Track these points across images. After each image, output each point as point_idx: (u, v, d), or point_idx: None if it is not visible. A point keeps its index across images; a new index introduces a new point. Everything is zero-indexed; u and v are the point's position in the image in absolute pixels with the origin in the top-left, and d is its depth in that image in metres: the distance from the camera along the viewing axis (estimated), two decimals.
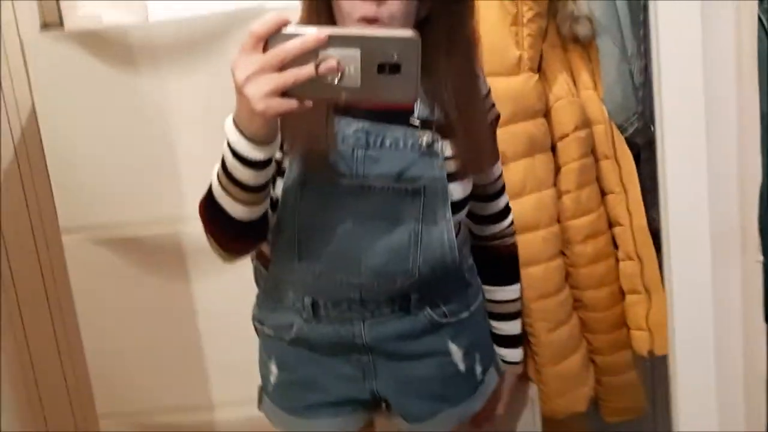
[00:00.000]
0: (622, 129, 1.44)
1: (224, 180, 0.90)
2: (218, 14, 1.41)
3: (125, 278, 1.50)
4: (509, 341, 1.21)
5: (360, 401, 1.13)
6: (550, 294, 1.41)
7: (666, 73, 0.98)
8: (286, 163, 0.99)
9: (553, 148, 1.42)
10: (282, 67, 0.78)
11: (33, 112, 1.60)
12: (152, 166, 1.46)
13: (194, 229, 1.45)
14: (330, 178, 0.98)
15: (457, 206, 1.03)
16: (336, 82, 0.79)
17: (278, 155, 0.96)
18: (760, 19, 1.12)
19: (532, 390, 1.51)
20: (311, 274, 1.03)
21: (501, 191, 1.17)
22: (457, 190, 1.02)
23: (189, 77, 1.42)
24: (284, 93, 0.79)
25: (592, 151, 1.43)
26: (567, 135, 1.39)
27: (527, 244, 1.37)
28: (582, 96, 1.42)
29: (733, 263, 0.99)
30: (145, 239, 1.49)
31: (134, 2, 1.48)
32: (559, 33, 1.41)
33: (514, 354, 1.22)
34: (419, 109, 1.00)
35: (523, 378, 1.48)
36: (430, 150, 0.99)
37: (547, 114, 1.40)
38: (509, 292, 1.20)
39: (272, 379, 1.15)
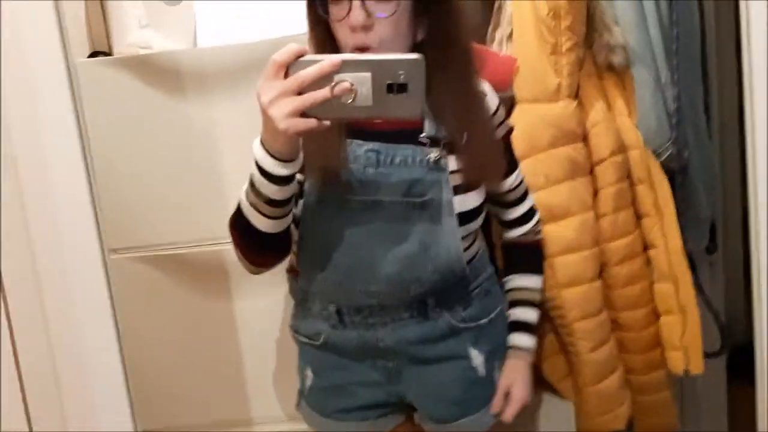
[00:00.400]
0: (656, 155, 1.48)
1: (251, 196, 1.00)
2: (265, 41, 1.45)
3: (169, 296, 1.53)
4: (527, 328, 1.24)
5: (387, 405, 1.21)
6: (592, 314, 1.44)
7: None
8: (306, 186, 1.08)
9: (591, 173, 1.46)
10: (301, 90, 0.89)
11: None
12: (197, 188, 1.49)
13: None
14: (344, 195, 1.07)
15: (466, 216, 1.10)
16: (350, 102, 0.89)
17: (300, 177, 1.05)
18: None
19: (569, 409, 1.54)
20: (333, 284, 1.12)
21: (522, 198, 1.25)
22: (465, 202, 1.10)
23: (235, 102, 1.46)
24: (304, 114, 0.89)
25: (627, 176, 1.47)
26: (604, 160, 1.44)
27: (572, 265, 1.41)
28: (617, 122, 1.46)
29: None
30: (188, 258, 1.53)
31: (183, 29, 1.53)
32: (595, 62, 1.45)
33: (530, 341, 1.24)
34: (427, 128, 1.08)
35: (561, 397, 1.51)
36: (437, 165, 1.07)
37: (584, 139, 1.45)
38: (529, 279, 1.26)
39: (308, 383, 1.24)
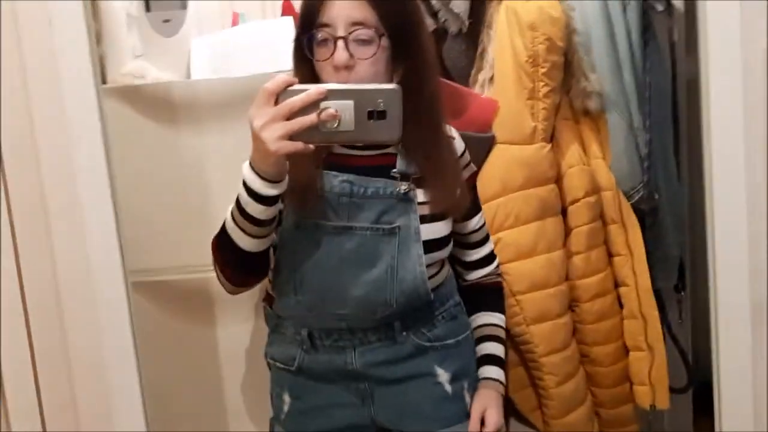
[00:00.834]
0: (628, 196, 1.55)
1: (237, 215, 1.08)
2: (256, 76, 1.49)
3: (153, 323, 1.54)
4: (497, 361, 1.29)
5: (364, 427, 1.24)
6: (559, 349, 1.49)
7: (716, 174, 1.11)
8: (284, 212, 1.15)
9: (564, 212, 1.52)
10: (290, 116, 0.98)
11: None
12: (185, 217, 1.52)
13: None
14: (319, 220, 1.15)
15: (433, 244, 1.17)
16: (334, 127, 0.99)
17: (280, 205, 1.12)
18: None
19: None
20: (305, 308, 1.18)
21: (484, 239, 1.32)
22: (432, 231, 1.17)
23: (225, 134, 1.49)
24: (292, 137, 0.98)
25: (600, 216, 1.53)
26: (578, 200, 1.50)
27: (539, 301, 1.46)
28: (592, 164, 1.53)
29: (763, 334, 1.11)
30: (173, 285, 1.55)
31: (177, 61, 1.58)
32: (571, 106, 1.52)
33: (499, 372, 1.28)
34: (399, 164, 1.17)
35: (533, 428, 1.55)
36: (406, 196, 1.15)
37: (559, 180, 1.51)
38: (494, 317, 1.31)
39: (285, 408, 1.27)
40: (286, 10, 1.63)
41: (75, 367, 1.21)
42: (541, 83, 1.45)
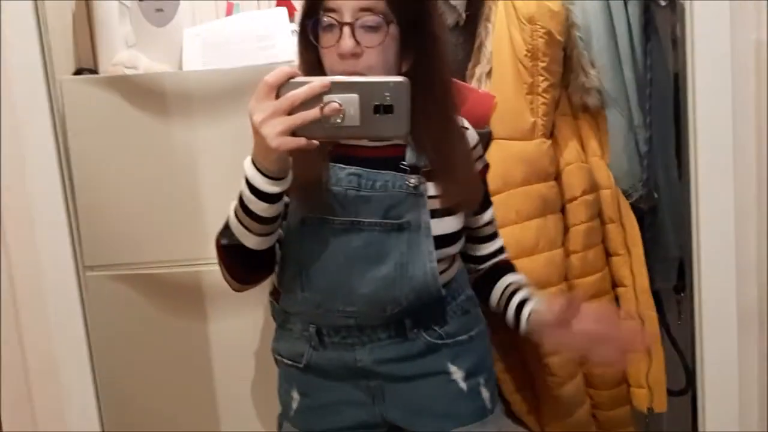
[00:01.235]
0: (627, 195, 1.52)
1: (240, 213, 1.04)
2: (249, 68, 1.47)
3: (144, 316, 1.53)
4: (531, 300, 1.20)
5: (374, 426, 1.21)
6: (560, 350, 1.46)
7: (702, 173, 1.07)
8: (290, 207, 1.12)
9: (562, 211, 1.49)
10: (292, 110, 0.92)
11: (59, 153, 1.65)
12: (176, 209, 1.50)
13: (214, 270, 1.50)
14: (325, 216, 1.10)
15: (444, 240, 1.13)
16: (338, 122, 0.93)
17: (286, 199, 1.08)
18: None
19: None
20: (313, 305, 1.14)
21: (495, 234, 1.28)
22: (442, 225, 1.13)
23: (217, 126, 1.47)
24: (294, 133, 0.93)
25: (599, 215, 1.50)
26: (576, 198, 1.47)
27: None
28: (590, 162, 1.50)
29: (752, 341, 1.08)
30: (164, 278, 1.53)
31: (169, 51, 1.55)
32: (570, 103, 1.50)
33: (540, 300, 1.19)
34: (408, 156, 1.12)
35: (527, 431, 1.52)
36: (416, 190, 1.10)
37: (557, 178, 1.48)
38: (515, 276, 1.25)
39: (294, 405, 1.23)
40: (281, 1, 1.61)
41: (31, 366, 1.17)
42: (541, 78, 1.42)
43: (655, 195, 1.53)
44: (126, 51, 1.54)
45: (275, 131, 0.93)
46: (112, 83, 1.47)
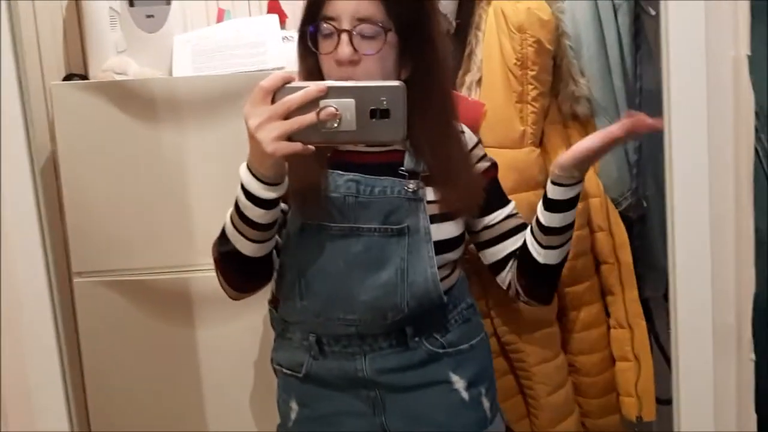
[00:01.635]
0: (616, 203, 1.52)
1: (236, 219, 1.03)
2: (239, 75, 1.48)
3: (132, 322, 1.53)
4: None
5: None
6: (549, 358, 1.47)
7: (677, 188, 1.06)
8: (288, 215, 1.11)
9: None
10: (287, 115, 0.92)
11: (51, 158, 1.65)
12: (165, 215, 1.51)
13: (203, 277, 1.50)
14: (324, 222, 1.10)
15: (444, 245, 1.13)
16: (335, 127, 0.93)
17: (284, 206, 1.08)
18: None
19: None
20: (312, 313, 1.13)
21: (523, 225, 1.22)
22: (442, 231, 1.12)
23: (207, 132, 1.48)
24: (290, 138, 0.92)
25: (588, 223, 1.50)
26: None
27: (529, 310, 1.43)
28: None
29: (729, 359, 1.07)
30: (153, 284, 1.53)
31: (159, 57, 1.55)
32: (560, 111, 1.50)
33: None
34: (407, 162, 1.12)
35: None
36: (415, 195, 1.10)
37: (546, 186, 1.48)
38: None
39: (293, 415, 1.22)
40: (272, 9, 1.61)
41: (4, 368, 1.15)
42: (530, 86, 1.42)
43: (644, 204, 1.54)
44: (116, 57, 1.54)
45: (271, 136, 0.92)
46: (102, 89, 1.47)
